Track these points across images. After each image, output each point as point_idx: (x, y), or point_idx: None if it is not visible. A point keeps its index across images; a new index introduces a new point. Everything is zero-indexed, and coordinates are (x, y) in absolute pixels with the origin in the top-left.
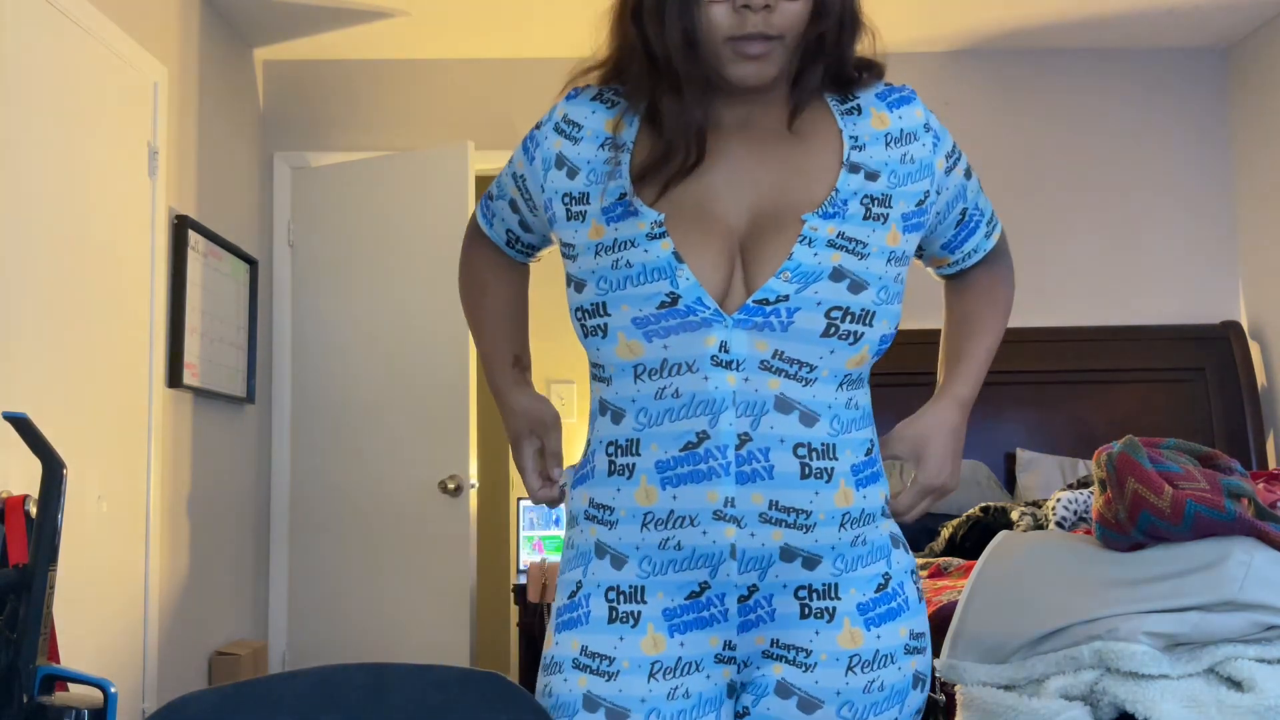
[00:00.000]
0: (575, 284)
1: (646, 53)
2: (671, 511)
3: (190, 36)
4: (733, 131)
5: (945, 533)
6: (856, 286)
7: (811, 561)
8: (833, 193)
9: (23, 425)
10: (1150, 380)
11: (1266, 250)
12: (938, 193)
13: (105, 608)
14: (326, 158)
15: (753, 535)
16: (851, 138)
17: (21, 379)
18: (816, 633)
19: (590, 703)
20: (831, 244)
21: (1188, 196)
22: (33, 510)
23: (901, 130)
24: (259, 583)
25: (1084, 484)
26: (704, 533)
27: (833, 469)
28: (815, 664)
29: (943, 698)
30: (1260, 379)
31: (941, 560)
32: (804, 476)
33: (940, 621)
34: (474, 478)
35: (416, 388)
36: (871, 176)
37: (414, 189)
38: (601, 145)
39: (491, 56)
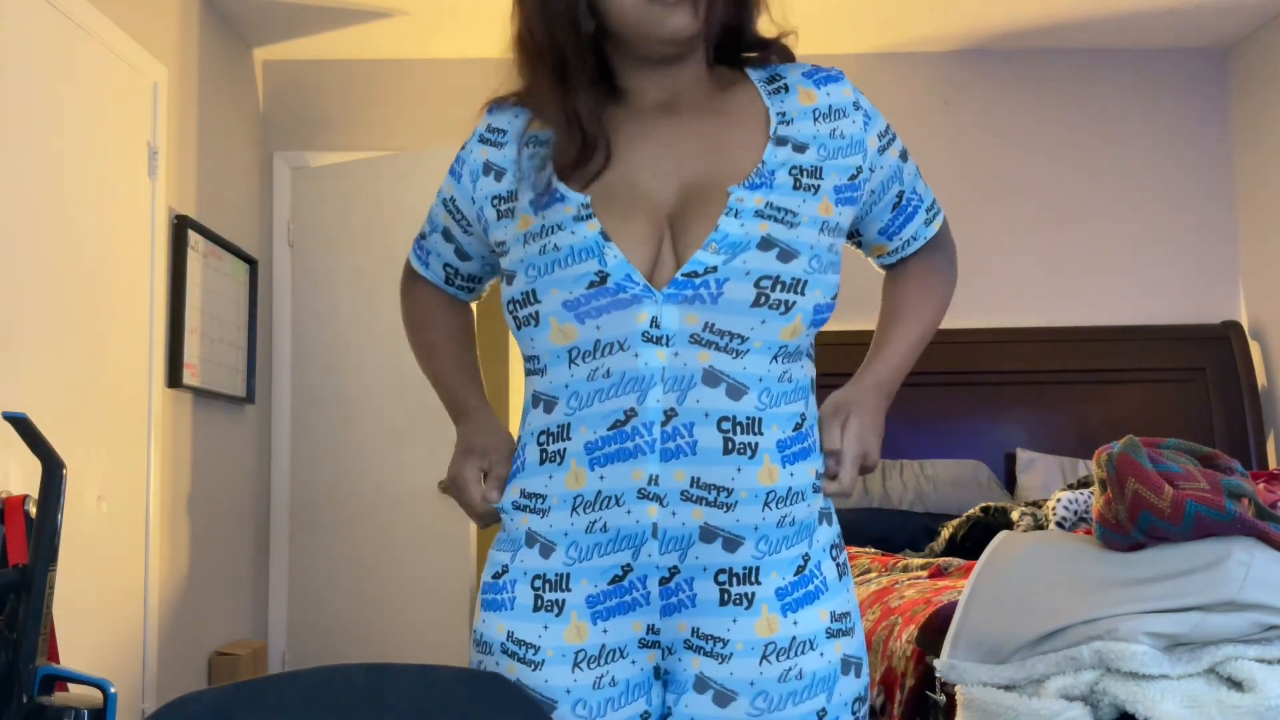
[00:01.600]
0: (506, 277)
1: (532, 50)
2: (599, 492)
3: (190, 36)
4: (657, 112)
5: (945, 533)
6: (786, 255)
7: (732, 543)
8: (759, 164)
9: (23, 425)
10: (1150, 380)
11: (1266, 250)
12: (871, 170)
13: (105, 608)
14: (326, 158)
15: (674, 514)
16: (779, 113)
17: (21, 379)
18: (734, 620)
19: None
20: (759, 214)
21: (1187, 196)
22: (33, 510)
23: (830, 106)
24: (259, 583)
25: (1084, 484)
26: (628, 512)
27: (757, 444)
28: (731, 654)
29: (943, 698)
30: (1260, 379)
31: (941, 560)
32: (726, 452)
33: (940, 621)
34: None
35: (416, 387)
36: (799, 149)
37: (414, 189)
38: (525, 144)
39: (491, 56)
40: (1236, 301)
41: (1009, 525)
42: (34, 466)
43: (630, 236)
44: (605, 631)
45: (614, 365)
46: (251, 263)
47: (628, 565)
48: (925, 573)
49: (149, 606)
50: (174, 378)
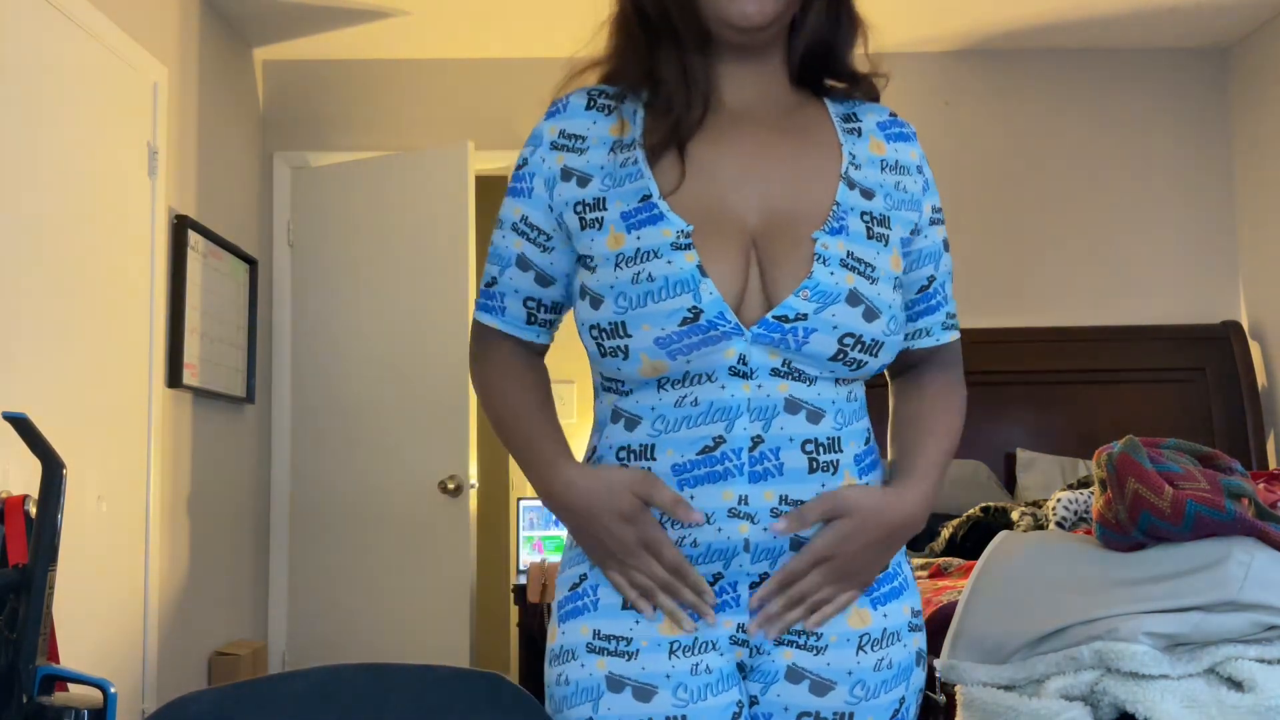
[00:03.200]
0: (591, 299)
1: (639, 14)
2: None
3: (190, 36)
4: (736, 119)
5: (945, 533)
6: (871, 314)
7: None
8: (835, 205)
9: (23, 425)
10: (1150, 380)
11: (1266, 250)
12: (921, 234)
13: (105, 608)
14: (326, 158)
15: (765, 530)
16: (850, 154)
17: (21, 379)
18: None
19: (614, 683)
20: (844, 264)
21: (1188, 196)
22: (33, 510)
23: (897, 161)
24: (259, 583)
25: (1084, 484)
26: (719, 530)
27: (838, 461)
28: (826, 646)
29: (943, 698)
30: (1260, 379)
31: (941, 560)
32: (812, 471)
33: (940, 622)
34: (474, 478)
35: (416, 388)
36: (867, 195)
37: (414, 189)
38: (612, 149)
39: (491, 56)
40: (1236, 301)
41: (1009, 525)
42: (34, 466)
43: (724, 270)
44: (699, 625)
45: (701, 395)
46: (251, 263)
47: (719, 574)
48: (925, 573)
49: (149, 606)
50: (174, 378)
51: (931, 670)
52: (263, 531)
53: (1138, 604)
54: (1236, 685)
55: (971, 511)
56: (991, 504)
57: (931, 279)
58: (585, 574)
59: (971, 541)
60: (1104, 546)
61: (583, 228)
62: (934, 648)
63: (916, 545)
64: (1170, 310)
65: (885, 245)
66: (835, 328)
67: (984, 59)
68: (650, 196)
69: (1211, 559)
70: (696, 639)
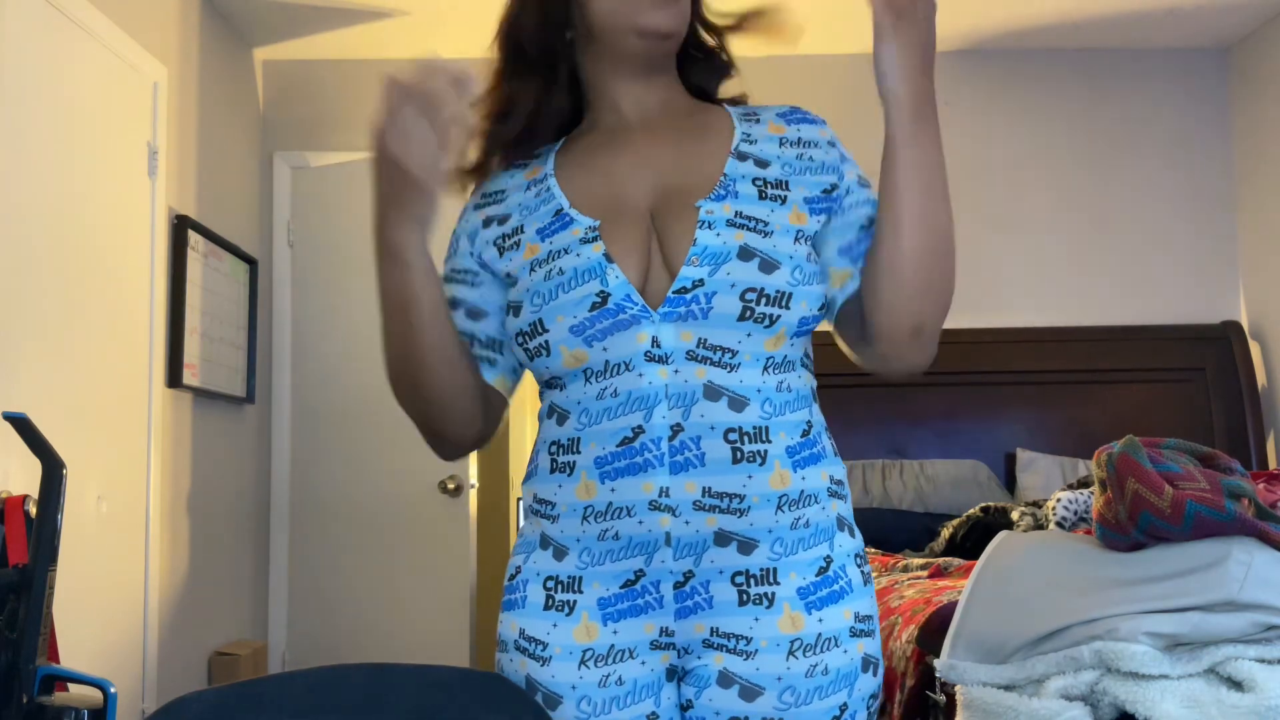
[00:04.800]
0: (514, 309)
1: (518, 55)
2: (610, 504)
3: (190, 36)
4: (634, 129)
5: (945, 533)
6: (768, 266)
7: (747, 546)
8: (721, 177)
9: (23, 425)
10: (1150, 380)
11: (1266, 250)
12: (848, 191)
13: (105, 608)
14: (326, 158)
15: (687, 523)
16: (744, 134)
17: (21, 379)
18: (756, 619)
19: (530, 686)
20: (731, 223)
21: (1187, 196)
22: (33, 510)
23: (799, 138)
24: (259, 583)
25: (1084, 484)
26: (640, 522)
27: (766, 451)
28: (756, 650)
29: (943, 698)
30: (1260, 379)
31: (941, 560)
32: (736, 461)
33: (940, 621)
34: (474, 478)
35: None
36: (761, 164)
37: None
38: (527, 189)
39: (491, 56)
40: (1236, 301)
41: (1009, 525)
42: (34, 466)
43: (628, 253)
44: (615, 632)
45: (621, 385)
46: (251, 263)
47: (640, 570)
48: (925, 573)
49: (149, 606)
50: (174, 378)
51: (931, 670)
52: (263, 531)
53: (1138, 604)
54: (1236, 685)
55: (971, 511)
56: (991, 504)
57: (873, 219)
58: (520, 567)
59: (971, 541)
60: (1104, 546)
61: (501, 254)
62: (934, 648)
63: (917, 545)
64: (1170, 310)
65: (782, 204)
66: (733, 285)
67: (984, 59)
68: (562, 210)
69: (1211, 559)
70: (613, 646)
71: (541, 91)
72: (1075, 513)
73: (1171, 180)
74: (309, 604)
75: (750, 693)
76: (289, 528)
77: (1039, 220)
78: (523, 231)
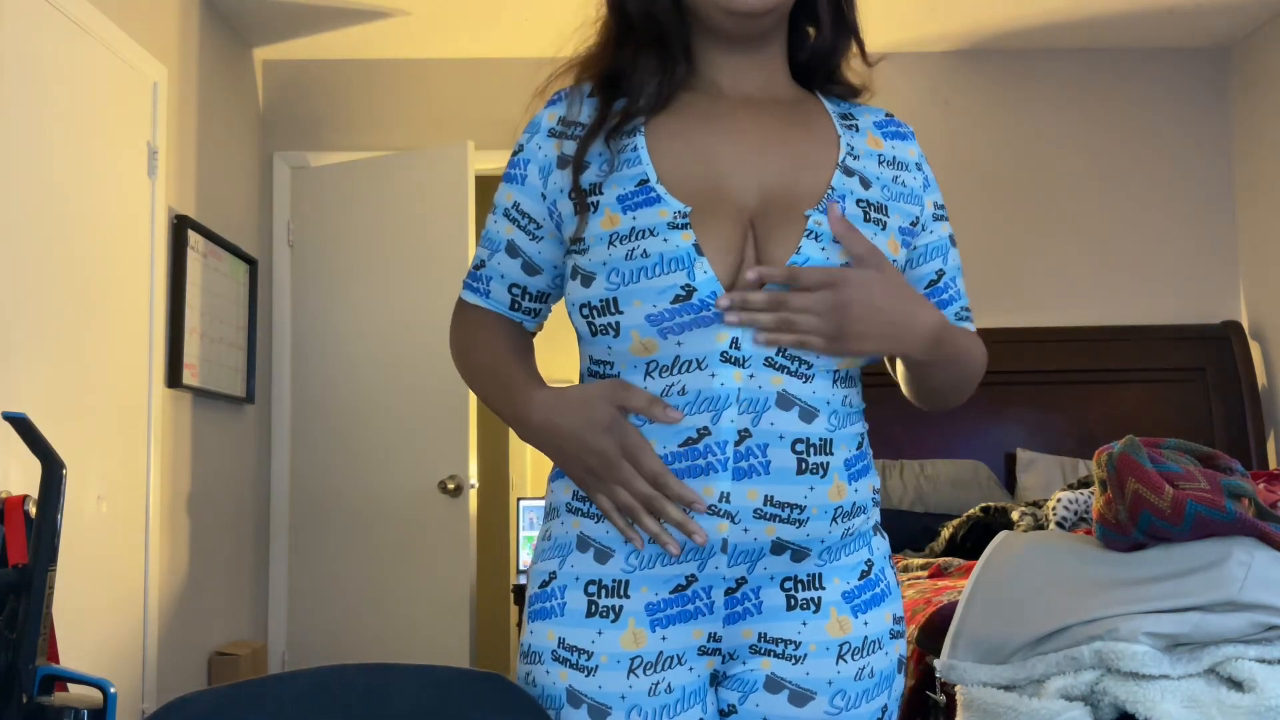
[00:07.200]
0: (582, 277)
1: (620, 16)
2: None
3: (190, 36)
4: (736, 106)
5: (945, 533)
6: None
7: (800, 554)
8: (829, 190)
9: (23, 425)
10: (1150, 380)
11: (1266, 250)
12: (924, 228)
13: (105, 608)
14: (326, 158)
15: (746, 530)
16: (849, 145)
17: (21, 379)
18: (804, 624)
19: (574, 698)
20: (837, 241)
21: (1188, 196)
22: (32, 510)
23: (895, 157)
24: (259, 583)
25: (1084, 484)
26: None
27: (828, 464)
28: (805, 655)
29: (943, 698)
30: (1260, 379)
31: (941, 560)
32: (800, 472)
33: (940, 622)
34: (474, 478)
35: (416, 388)
36: (865, 184)
37: (414, 189)
38: (610, 138)
39: (491, 56)
40: (1236, 301)
41: (1009, 525)
42: (34, 466)
43: (719, 249)
44: (664, 639)
45: (690, 384)
46: (251, 263)
47: (692, 576)
48: (925, 573)
49: (149, 606)
50: (174, 378)
51: (931, 670)
52: (263, 532)
53: (1138, 604)
54: (1237, 685)
55: (971, 511)
56: (991, 504)
57: (940, 273)
58: (555, 572)
59: (971, 541)
60: (1104, 546)
61: (576, 212)
62: (934, 648)
63: (917, 545)
64: (1170, 310)
65: (883, 230)
66: None
67: (984, 59)
68: (647, 181)
69: (1211, 559)
70: (662, 653)
71: (659, 66)
72: (1075, 513)
73: (1171, 180)
74: (309, 604)
75: (801, 698)
76: (289, 527)
77: (1038, 221)
78: (601, 193)
